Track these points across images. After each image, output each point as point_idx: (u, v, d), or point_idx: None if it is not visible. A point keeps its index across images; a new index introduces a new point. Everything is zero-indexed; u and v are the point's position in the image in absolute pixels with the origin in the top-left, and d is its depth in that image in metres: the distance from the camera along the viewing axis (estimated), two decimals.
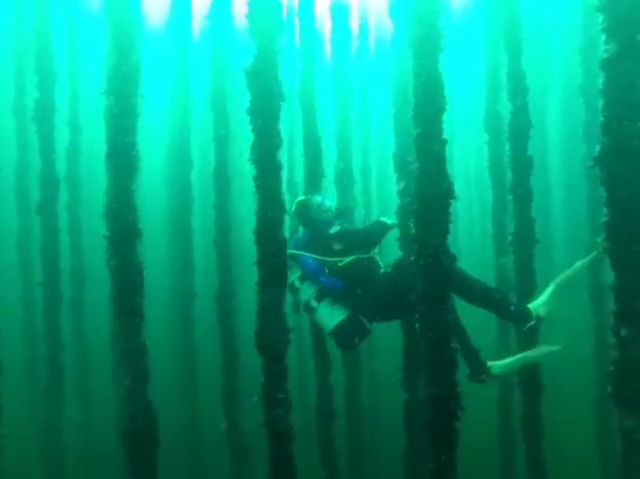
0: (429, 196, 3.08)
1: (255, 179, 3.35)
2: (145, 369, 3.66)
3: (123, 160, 3.62)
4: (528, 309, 4.16)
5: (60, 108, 6.05)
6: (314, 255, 4.27)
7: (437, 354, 3.07)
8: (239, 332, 5.64)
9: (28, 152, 6.65)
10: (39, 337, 6.04)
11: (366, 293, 4.20)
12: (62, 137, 6.41)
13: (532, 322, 4.08)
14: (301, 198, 4.80)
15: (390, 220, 4.56)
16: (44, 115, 5.74)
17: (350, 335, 4.22)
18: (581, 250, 4.92)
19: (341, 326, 4.19)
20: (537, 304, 4.21)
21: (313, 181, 5.21)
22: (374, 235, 4.45)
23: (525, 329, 4.10)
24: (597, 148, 2.90)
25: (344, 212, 4.77)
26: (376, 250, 4.45)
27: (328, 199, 4.79)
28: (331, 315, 4.23)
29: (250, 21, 3.39)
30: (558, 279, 4.29)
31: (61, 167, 6.26)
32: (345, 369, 5.61)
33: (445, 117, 3.13)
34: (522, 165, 4.57)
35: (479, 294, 4.13)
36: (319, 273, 4.22)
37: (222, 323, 5.63)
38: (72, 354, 6.41)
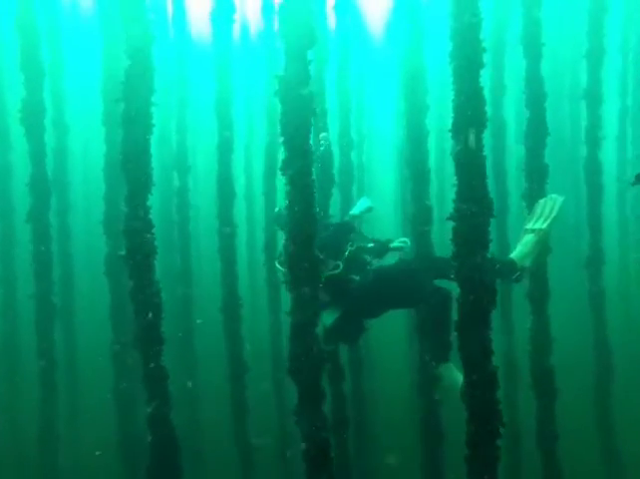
0: (469, 213, 2.99)
1: (288, 195, 3.20)
2: (167, 394, 3.49)
3: (138, 175, 3.42)
4: (512, 261, 4.21)
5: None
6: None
7: (478, 373, 2.99)
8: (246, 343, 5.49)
9: (10, 154, 6.30)
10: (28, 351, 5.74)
11: (348, 302, 4.20)
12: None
13: (518, 274, 4.16)
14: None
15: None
16: (32, 115, 5.39)
17: (345, 332, 4.25)
18: None
19: (335, 324, 4.19)
20: (521, 254, 4.22)
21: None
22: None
23: (513, 280, 4.20)
24: None
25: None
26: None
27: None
28: (325, 314, 4.14)
29: (282, 29, 3.23)
30: (532, 224, 4.28)
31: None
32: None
33: None
34: (539, 173, 4.55)
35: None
36: None
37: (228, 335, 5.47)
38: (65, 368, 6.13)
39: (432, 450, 4.84)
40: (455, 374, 4.00)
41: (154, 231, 3.46)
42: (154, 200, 3.53)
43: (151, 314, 3.43)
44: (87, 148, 10.90)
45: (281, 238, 4.69)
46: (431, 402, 4.74)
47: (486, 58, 3.70)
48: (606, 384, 5.51)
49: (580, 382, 5.58)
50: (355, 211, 5.09)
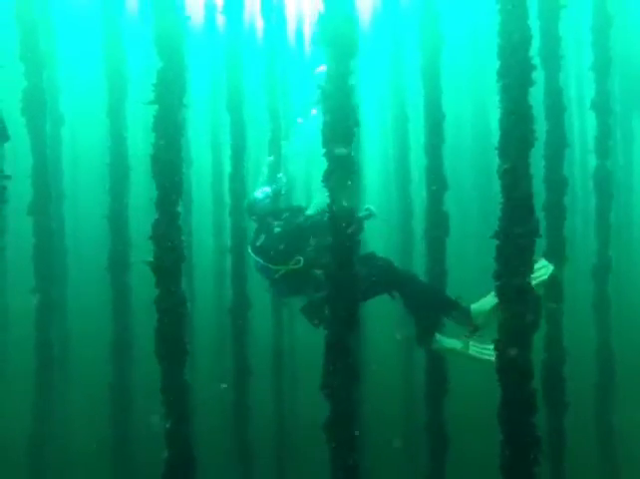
0: (514, 234, 2.94)
1: (329, 209, 3.11)
2: (187, 410, 3.37)
3: (169, 179, 3.27)
4: (467, 311, 4.18)
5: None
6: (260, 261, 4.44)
7: (516, 394, 2.95)
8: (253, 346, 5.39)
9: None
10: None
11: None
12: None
13: (470, 328, 4.14)
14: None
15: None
16: (33, 106, 5.14)
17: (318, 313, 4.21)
18: None
19: (309, 305, 4.29)
20: (480, 311, 4.15)
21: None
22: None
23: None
24: None
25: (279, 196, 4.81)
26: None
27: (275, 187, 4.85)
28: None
29: (323, 36, 3.11)
30: None
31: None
32: None
33: None
34: (557, 184, 4.56)
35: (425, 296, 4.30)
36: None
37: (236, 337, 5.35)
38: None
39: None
40: (448, 341, 4.22)
41: (183, 237, 3.31)
42: None
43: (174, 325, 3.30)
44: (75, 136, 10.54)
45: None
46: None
47: None
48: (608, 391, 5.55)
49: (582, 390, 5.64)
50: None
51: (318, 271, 4.19)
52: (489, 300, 4.08)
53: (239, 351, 5.32)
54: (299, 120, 5.79)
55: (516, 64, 2.96)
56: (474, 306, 4.20)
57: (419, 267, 6.21)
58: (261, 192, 4.86)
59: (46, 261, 5.18)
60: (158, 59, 3.24)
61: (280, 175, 5.24)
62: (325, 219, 4.28)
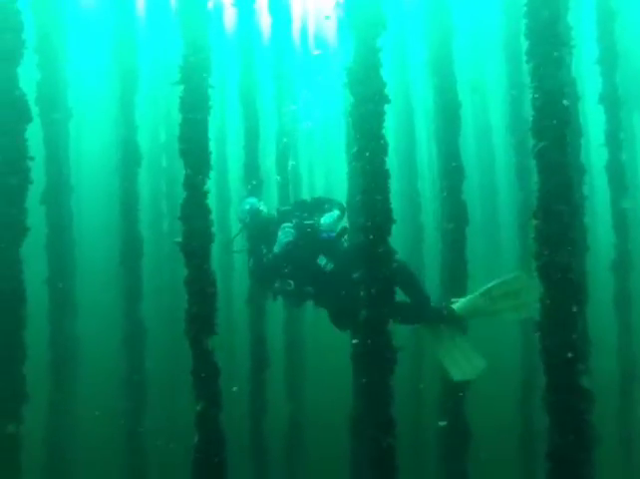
0: (556, 212, 2.91)
1: (362, 190, 3.08)
2: (217, 393, 3.31)
3: (197, 159, 3.23)
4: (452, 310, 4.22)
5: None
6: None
7: (562, 377, 2.86)
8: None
9: None
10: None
11: None
12: None
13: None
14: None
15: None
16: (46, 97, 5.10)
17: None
18: None
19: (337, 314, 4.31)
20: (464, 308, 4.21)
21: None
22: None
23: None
24: None
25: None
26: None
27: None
28: None
29: (349, 16, 3.11)
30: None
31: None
32: None
33: None
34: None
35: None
36: None
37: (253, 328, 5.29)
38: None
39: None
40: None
41: (211, 217, 3.27)
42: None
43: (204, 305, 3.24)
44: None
45: None
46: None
47: None
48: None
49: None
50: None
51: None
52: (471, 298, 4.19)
53: (257, 343, 5.25)
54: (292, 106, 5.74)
55: (546, 42, 2.96)
56: (457, 306, 4.23)
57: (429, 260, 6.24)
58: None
59: (59, 251, 5.12)
60: (181, 41, 3.21)
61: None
62: None
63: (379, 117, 3.12)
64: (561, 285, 2.85)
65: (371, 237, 3.06)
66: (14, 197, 3.37)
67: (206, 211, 3.24)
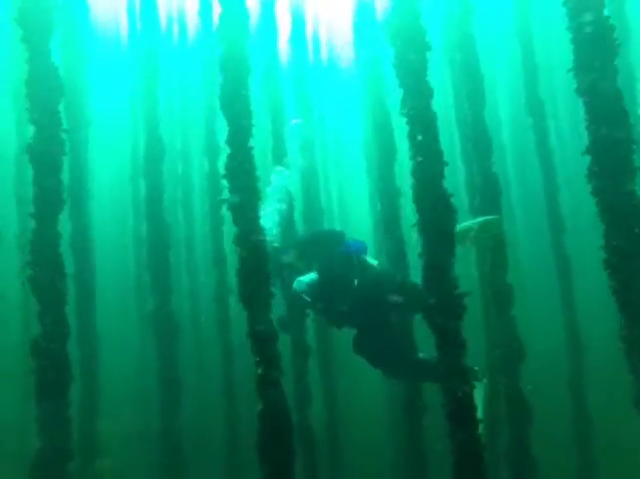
0: (612, 140, 2.88)
1: (414, 163, 3.05)
2: (277, 357, 3.21)
3: (239, 117, 3.20)
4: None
5: None
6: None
7: None
8: None
9: None
10: None
11: None
12: None
13: None
14: None
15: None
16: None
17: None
18: None
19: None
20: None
21: None
22: None
23: None
24: None
25: None
26: None
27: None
28: None
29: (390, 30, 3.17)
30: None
31: None
32: None
33: None
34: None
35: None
36: None
37: None
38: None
39: None
40: None
41: (257, 173, 3.22)
42: None
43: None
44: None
45: None
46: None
47: None
48: None
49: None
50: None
51: None
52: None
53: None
54: (294, 121, 5.75)
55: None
56: None
57: None
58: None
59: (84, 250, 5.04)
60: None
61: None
62: None
63: (423, 65, 3.12)
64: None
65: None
66: None
67: (253, 168, 3.19)
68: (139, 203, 7.24)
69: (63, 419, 3.42)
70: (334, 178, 9.26)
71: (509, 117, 8.02)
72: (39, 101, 3.36)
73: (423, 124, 3.08)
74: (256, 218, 3.16)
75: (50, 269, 3.37)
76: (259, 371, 3.15)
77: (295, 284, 4.22)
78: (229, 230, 6.75)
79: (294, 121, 5.65)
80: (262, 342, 3.17)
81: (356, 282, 4.27)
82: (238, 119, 3.12)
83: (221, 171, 6.61)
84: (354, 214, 9.46)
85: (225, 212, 6.66)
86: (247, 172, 3.14)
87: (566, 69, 3.04)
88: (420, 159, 3.06)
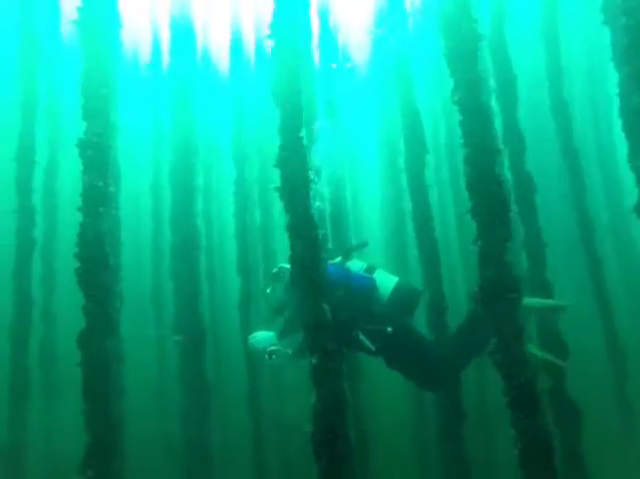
0: None
1: (467, 151, 3.05)
2: (331, 344, 3.16)
3: (291, 106, 3.21)
4: None
5: None
6: None
7: None
8: None
9: None
10: None
11: None
12: None
13: None
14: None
15: None
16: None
17: None
18: None
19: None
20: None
21: None
22: None
23: None
24: None
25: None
26: None
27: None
28: None
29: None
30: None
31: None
32: None
33: None
34: None
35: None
36: None
37: None
38: None
39: None
40: None
41: (308, 162, 3.22)
42: None
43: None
44: None
45: None
46: None
47: None
48: None
49: None
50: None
51: None
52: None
53: None
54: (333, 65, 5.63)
55: None
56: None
57: None
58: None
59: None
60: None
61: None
62: None
63: (474, 55, 3.14)
64: None
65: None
66: None
67: (304, 156, 3.19)
68: (159, 211, 7.31)
69: (108, 416, 3.35)
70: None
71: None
72: (91, 97, 3.37)
73: (475, 112, 3.09)
74: (308, 205, 3.14)
75: (97, 264, 3.34)
76: (314, 361, 3.10)
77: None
78: (253, 236, 6.86)
79: (334, 65, 5.58)
80: (315, 331, 3.14)
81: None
82: (289, 109, 3.11)
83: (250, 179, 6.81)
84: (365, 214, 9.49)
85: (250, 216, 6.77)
86: (299, 160, 3.13)
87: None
88: (473, 146, 3.05)
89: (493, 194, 3.03)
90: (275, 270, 4.31)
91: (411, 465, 5.56)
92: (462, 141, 3.13)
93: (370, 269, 4.15)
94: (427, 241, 4.81)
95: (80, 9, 3.51)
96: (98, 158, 3.39)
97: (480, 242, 3.08)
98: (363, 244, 4.51)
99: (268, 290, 4.30)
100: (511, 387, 2.91)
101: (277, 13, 3.25)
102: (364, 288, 3.95)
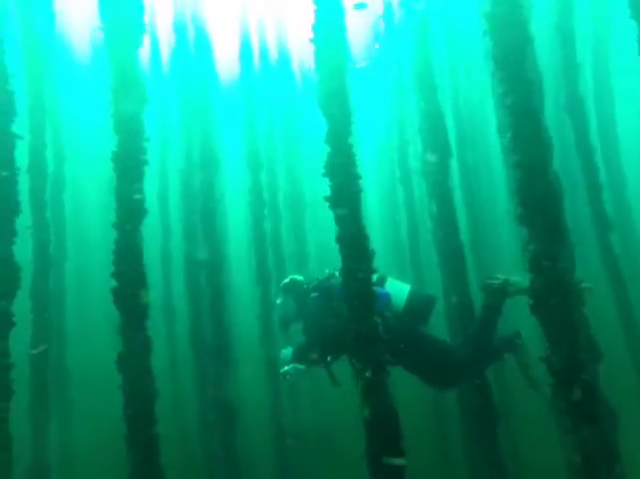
0: None
1: (518, 155, 3.01)
2: (382, 360, 3.10)
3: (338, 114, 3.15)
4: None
5: None
6: None
7: None
8: None
9: None
10: None
11: None
12: None
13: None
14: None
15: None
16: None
17: None
18: None
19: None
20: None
21: None
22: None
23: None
24: None
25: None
26: None
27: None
28: None
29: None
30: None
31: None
32: None
33: None
34: None
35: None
36: None
37: None
38: None
39: None
40: None
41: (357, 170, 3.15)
42: None
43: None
44: None
45: None
46: None
47: None
48: None
49: None
50: None
51: None
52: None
53: None
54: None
55: None
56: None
57: None
58: None
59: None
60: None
61: None
62: None
63: (523, 57, 3.10)
64: None
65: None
66: None
67: (353, 163, 3.12)
68: (168, 220, 7.17)
69: (152, 437, 3.25)
70: None
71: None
72: (123, 110, 3.26)
73: (526, 115, 3.05)
74: (359, 216, 3.07)
75: (135, 282, 3.23)
76: (367, 375, 3.03)
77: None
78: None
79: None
80: (368, 345, 3.07)
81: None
82: (337, 117, 3.04)
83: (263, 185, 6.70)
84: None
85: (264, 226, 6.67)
86: (347, 167, 3.06)
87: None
88: (524, 150, 3.01)
89: (547, 199, 2.99)
90: (287, 281, 4.28)
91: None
92: (511, 145, 3.09)
93: (381, 280, 4.09)
94: (450, 246, 4.75)
95: (105, 23, 3.41)
96: (133, 169, 3.29)
97: (531, 247, 3.05)
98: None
99: (278, 301, 4.25)
100: (568, 392, 2.88)
101: (319, 17, 3.17)
102: (380, 306, 3.77)
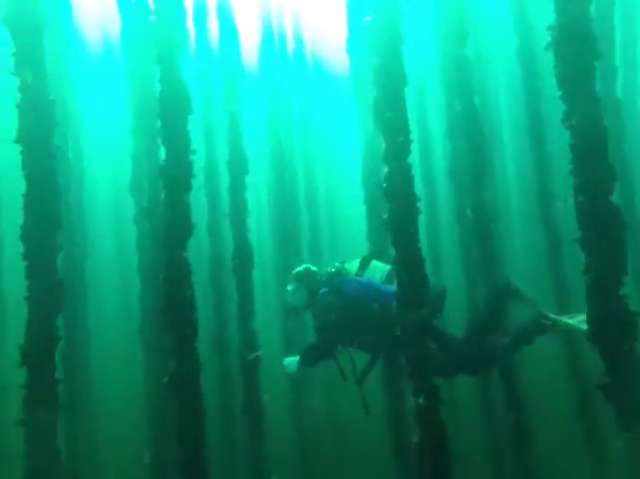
0: None
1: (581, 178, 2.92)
2: (435, 387, 3.05)
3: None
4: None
5: None
6: None
7: None
8: None
9: None
10: None
11: None
12: None
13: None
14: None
15: None
16: None
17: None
18: None
19: None
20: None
21: None
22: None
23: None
24: None
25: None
26: None
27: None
28: None
29: None
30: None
31: None
32: None
33: None
34: None
35: None
36: None
37: None
38: None
39: None
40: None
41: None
42: None
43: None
44: None
45: None
46: None
47: None
48: None
49: None
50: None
51: None
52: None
53: None
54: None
55: None
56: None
57: None
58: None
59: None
60: None
61: None
62: None
63: (591, 74, 2.98)
64: None
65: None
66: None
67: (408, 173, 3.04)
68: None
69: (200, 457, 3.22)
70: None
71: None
72: (170, 121, 3.16)
73: (592, 138, 2.94)
74: (416, 240, 2.98)
75: (184, 303, 3.16)
76: (420, 401, 2.98)
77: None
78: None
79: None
80: (420, 372, 3.02)
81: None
82: (396, 135, 2.94)
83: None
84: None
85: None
86: (406, 188, 2.97)
87: None
88: (588, 173, 2.92)
89: (609, 224, 2.91)
90: (301, 270, 4.22)
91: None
92: (572, 167, 3.00)
93: (391, 276, 4.04)
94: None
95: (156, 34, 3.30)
96: (181, 179, 3.19)
97: (591, 274, 2.97)
98: (376, 252, 4.42)
99: (289, 288, 4.19)
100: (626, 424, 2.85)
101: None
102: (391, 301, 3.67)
